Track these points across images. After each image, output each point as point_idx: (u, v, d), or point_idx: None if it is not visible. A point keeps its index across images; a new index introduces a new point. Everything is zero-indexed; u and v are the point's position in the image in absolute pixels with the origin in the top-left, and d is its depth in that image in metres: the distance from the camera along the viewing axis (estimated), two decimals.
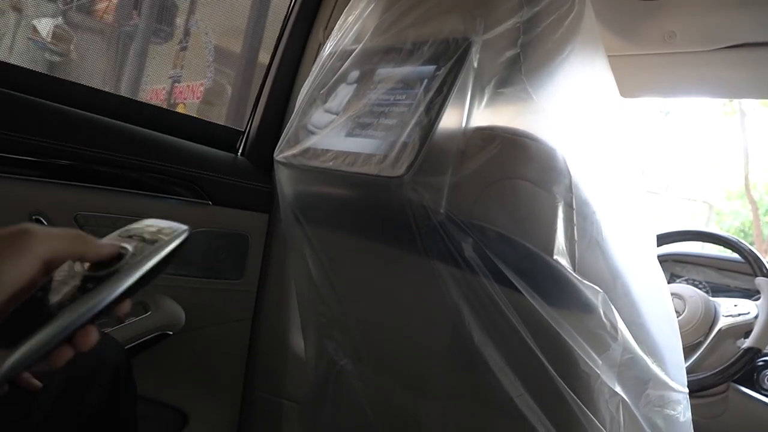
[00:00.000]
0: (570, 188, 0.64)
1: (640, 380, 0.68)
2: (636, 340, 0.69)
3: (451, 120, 0.67)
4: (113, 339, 0.86)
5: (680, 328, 1.37)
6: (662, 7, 1.09)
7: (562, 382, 0.66)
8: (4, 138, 0.90)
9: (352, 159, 0.72)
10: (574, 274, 0.63)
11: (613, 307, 0.63)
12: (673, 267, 1.69)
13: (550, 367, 0.66)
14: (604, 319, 0.63)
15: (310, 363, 0.97)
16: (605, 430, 0.68)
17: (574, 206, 0.64)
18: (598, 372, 0.65)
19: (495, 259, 0.63)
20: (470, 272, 0.64)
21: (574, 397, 0.67)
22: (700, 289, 1.60)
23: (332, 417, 0.92)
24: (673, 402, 0.74)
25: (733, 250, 1.40)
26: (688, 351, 1.35)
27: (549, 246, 0.62)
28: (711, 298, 1.39)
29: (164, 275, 1.04)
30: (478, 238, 0.64)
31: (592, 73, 0.75)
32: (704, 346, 1.30)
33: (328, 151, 0.76)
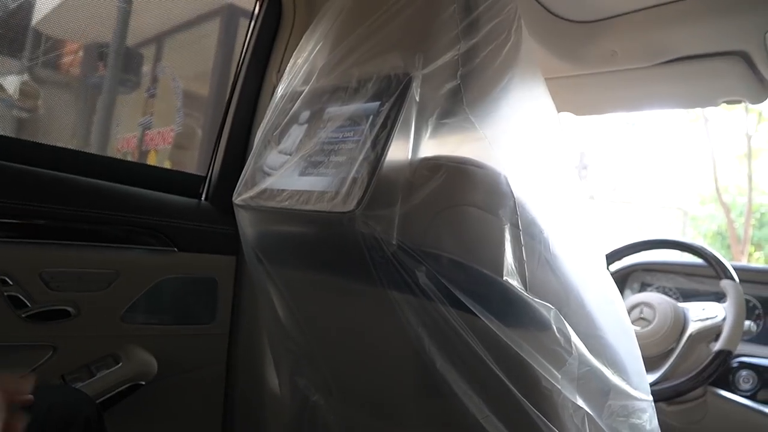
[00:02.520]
0: (515, 210, 0.66)
1: (600, 392, 0.70)
2: (593, 353, 0.71)
3: (397, 153, 0.69)
4: (83, 393, 0.86)
5: (652, 336, 1.40)
6: (602, 29, 1.14)
7: (525, 401, 0.67)
8: None
9: (306, 197, 0.74)
10: (526, 293, 0.64)
11: (566, 322, 0.65)
12: (644, 276, 1.73)
13: (512, 387, 0.67)
14: (558, 335, 0.65)
15: (284, 401, 0.97)
16: None
17: (521, 227, 0.66)
18: (559, 387, 0.66)
19: (449, 285, 0.65)
20: (426, 299, 0.66)
21: (539, 414, 0.68)
22: (670, 295, 1.63)
23: None
24: (638, 411, 0.75)
25: (696, 256, 1.44)
26: (661, 358, 1.37)
27: (499, 268, 0.64)
28: (680, 304, 1.41)
29: (134, 324, 1.05)
30: (430, 265, 0.65)
31: (531, 98, 0.79)
32: (677, 352, 1.32)
33: (283, 191, 0.78)
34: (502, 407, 0.69)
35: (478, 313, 0.65)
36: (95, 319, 1.00)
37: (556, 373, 0.66)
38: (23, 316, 0.93)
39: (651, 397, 0.78)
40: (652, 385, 1.34)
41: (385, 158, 0.67)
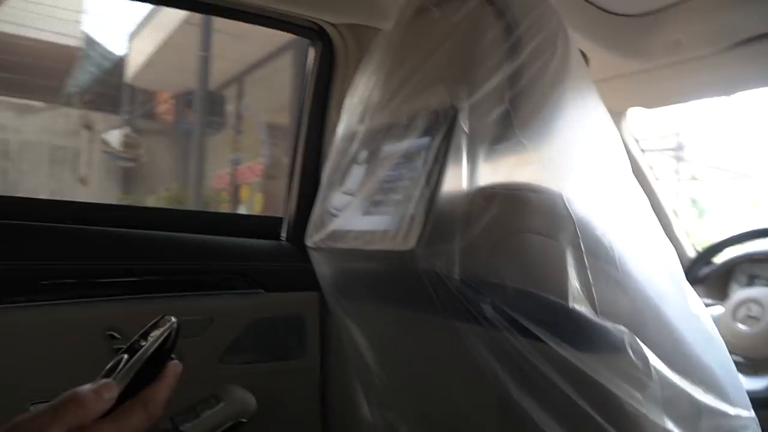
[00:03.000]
0: (576, 232, 0.65)
1: (692, 413, 0.66)
2: (680, 372, 0.67)
3: (453, 185, 0.69)
4: None
5: (761, 336, 1.30)
6: (662, 19, 1.09)
7: (611, 428, 0.65)
8: (73, 268, 1.01)
9: (370, 237, 0.76)
10: (596, 317, 0.63)
11: (642, 343, 0.63)
12: (751, 268, 1.61)
13: (595, 414, 0.65)
14: (634, 359, 0.62)
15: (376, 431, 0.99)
16: None
17: (584, 249, 0.64)
18: (645, 412, 0.64)
19: (515, 315, 0.64)
20: (494, 329, 0.66)
21: None
22: None
23: None
24: (737, 428, 0.71)
25: None
26: None
27: (565, 293, 0.63)
28: None
29: (232, 365, 1.11)
30: (495, 296, 0.65)
31: (584, 109, 0.77)
32: None
33: (349, 231, 0.81)
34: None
35: (548, 341, 0.64)
36: (196, 363, 1.07)
37: (639, 396, 0.64)
38: None
39: (752, 413, 0.73)
40: (763, 391, 1.25)
41: (438, 193, 0.68)
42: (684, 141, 8.53)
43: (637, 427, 0.65)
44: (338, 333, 1.17)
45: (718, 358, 0.73)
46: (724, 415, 0.69)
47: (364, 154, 0.86)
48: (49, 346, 1.00)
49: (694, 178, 9.27)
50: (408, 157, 0.76)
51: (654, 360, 0.63)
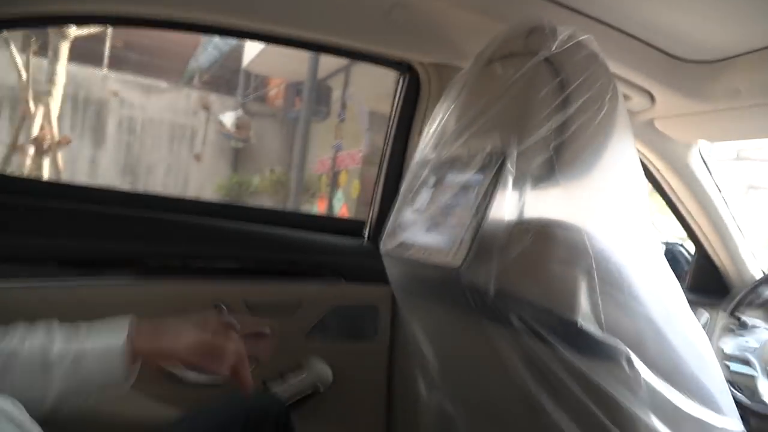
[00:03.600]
0: (592, 264, 0.80)
1: (677, 418, 0.80)
2: (676, 385, 0.81)
3: (496, 217, 0.86)
4: (275, 397, 1.16)
5: None
6: (725, 68, 1.19)
7: (609, 423, 0.80)
8: (195, 253, 1.27)
9: (430, 252, 0.94)
10: (601, 333, 0.78)
11: (636, 358, 0.77)
12: None
13: (596, 410, 0.81)
14: (627, 369, 0.77)
15: (430, 409, 1.18)
16: None
17: (596, 278, 0.79)
18: (636, 411, 0.78)
19: (535, 325, 0.81)
20: (518, 334, 0.82)
21: None
22: None
23: None
24: None
25: None
26: None
27: (575, 312, 0.78)
28: None
29: (315, 342, 1.33)
30: (521, 309, 0.82)
31: (619, 158, 0.90)
32: None
33: (413, 244, 0.99)
34: (590, 426, 0.82)
35: (560, 348, 0.80)
36: (286, 337, 1.30)
37: (631, 398, 0.78)
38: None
39: (737, 424, 0.85)
40: None
41: (484, 223, 0.85)
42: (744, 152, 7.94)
43: (632, 426, 0.80)
44: (404, 323, 1.36)
45: (712, 377, 0.85)
46: (709, 424, 0.82)
47: (432, 180, 1.04)
48: (168, 312, 1.25)
49: (752, 187, 8.62)
50: (465, 188, 0.93)
51: (644, 372, 0.78)
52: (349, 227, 1.45)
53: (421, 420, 1.32)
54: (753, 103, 1.19)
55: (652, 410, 0.79)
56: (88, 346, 0.75)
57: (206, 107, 7.65)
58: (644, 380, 0.78)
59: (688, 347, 0.84)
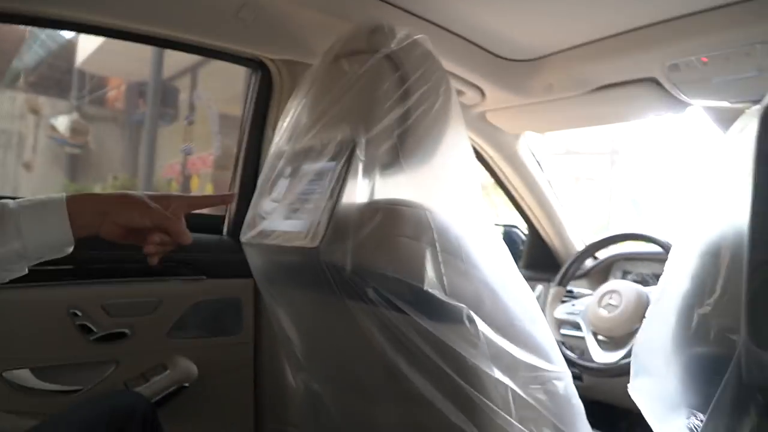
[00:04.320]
0: (434, 237, 0.89)
1: (513, 366, 0.92)
2: (510, 338, 0.93)
3: (348, 200, 0.93)
4: (140, 395, 1.14)
5: (618, 318, 1.60)
6: (540, 66, 1.37)
7: (458, 378, 0.91)
8: None
9: (289, 236, 0.99)
10: (445, 297, 0.88)
11: (476, 316, 0.89)
12: (625, 265, 1.92)
13: (447, 369, 0.91)
14: (468, 326, 0.88)
15: (298, 392, 1.23)
16: (499, 409, 0.92)
17: (439, 248, 0.89)
18: (478, 364, 0.90)
19: (390, 296, 0.89)
20: (375, 306, 0.90)
21: (471, 388, 0.91)
22: (648, 281, 1.82)
23: None
24: (553, 379, 0.98)
25: (655, 244, 1.64)
26: (627, 338, 1.57)
27: (423, 280, 0.88)
28: (643, 288, 1.61)
29: (178, 339, 1.32)
30: (376, 282, 0.89)
31: (455, 144, 1.01)
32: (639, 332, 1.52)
33: (273, 231, 1.03)
34: (443, 384, 0.92)
35: (412, 315, 0.89)
36: (146, 337, 1.28)
37: (474, 352, 0.89)
38: (91, 339, 1.22)
39: (564, 369, 1.00)
40: (618, 361, 1.55)
41: (338, 206, 0.91)
42: (618, 146, 9.01)
43: (476, 377, 0.91)
44: (268, 313, 1.40)
45: (541, 331, 0.99)
46: (537, 368, 0.95)
47: (288, 170, 1.09)
48: (20, 321, 1.19)
49: (630, 180, 9.79)
50: (320, 175, 0.99)
51: (483, 327, 0.89)
52: (208, 224, 1.45)
53: (290, 403, 1.37)
54: (563, 96, 1.38)
55: (493, 361, 0.90)
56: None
57: (35, 110, 7.00)
58: (483, 335, 0.89)
59: (520, 306, 0.97)
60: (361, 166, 0.94)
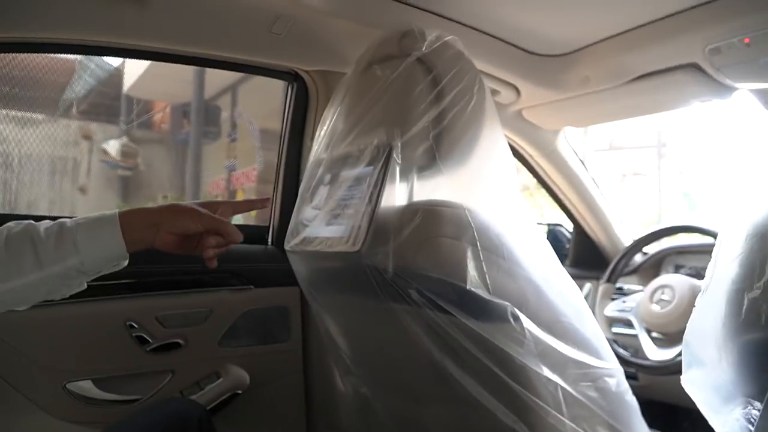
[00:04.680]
0: (474, 235, 0.89)
1: (561, 363, 0.91)
2: (557, 335, 0.92)
3: (388, 203, 0.94)
4: (195, 402, 1.17)
5: (671, 315, 1.56)
6: (574, 59, 1.35)
7: (506, 377, 0.90)
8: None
9: (331, 242, 1.00)
10: (488, 296, 0.88)
11: (521, 314, 0.88)
12: (677, 259, 1.87)
13: (494, 367, 0.90)
14: (514, 325, 0.87)
15: (348, 396, 1.24)
16: (550, 408, 0.91)
17: (480, 247, 0.89)
18: (526, 362, 0.89)
19: (433, 297, 0.89)
20: (419, 308, 0.90)
21: (520, 387, 0.90)
22: (702, 274, 1.76)
23: None
24: (604, 376, 0.96)
25: (706, 235, 1.59)
26: (680, 334, 1.51)
27: (466, 280, 0.88)
28: (697, 282, 1.56)
29: (229, 348, 1.35)
30: (419, 283, 0.90)
31: (491, 143, 1.01)
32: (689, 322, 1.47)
33: (316, 238, 1.05)
34: (491, 384, 0.91)
35: (457, 315, 0.89)
36: (199, 347, 1.32)
37: (521, 351, 0.88)
38: (148, 350, 1.26)
39: (616, 365, 0.98)
40: (674, 358, 1.51)
41: (377, 209, 0.92)
42: (665, 138, 8.78)
43: (525, 376, 0.90)
44: (315, 320, 1.42)
45: (588, 327, 0.98)
46: (587, 365, 0.94)
47: (328, 177, 1.11)
48: (81, 334, 1.24)
49: (680, 173, 9.51)
50: (358, 180, 1.01)
51: (528, 324, 0.88)
52: (253, 234, 1.49)
53: (341, 407, 1.38)
54: (601, 89, 1.36)
55: (541, 359, 0.89)
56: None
57: (87, 137, 7.27)
58: (529, 332, 0.88)
59: (566, 302, 0.96)
60: (398, 169, 0.95)
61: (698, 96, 1.30)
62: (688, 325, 0.63)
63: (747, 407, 0.58)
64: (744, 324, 0.50)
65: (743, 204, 0.55)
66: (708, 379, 0.60)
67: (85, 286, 0.84)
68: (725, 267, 0.53)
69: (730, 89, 1.27)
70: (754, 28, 1.04)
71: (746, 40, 1.07)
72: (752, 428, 0.56)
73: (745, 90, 1.27)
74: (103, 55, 1.30)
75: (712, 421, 0.64)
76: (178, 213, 0.85)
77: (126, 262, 0.85)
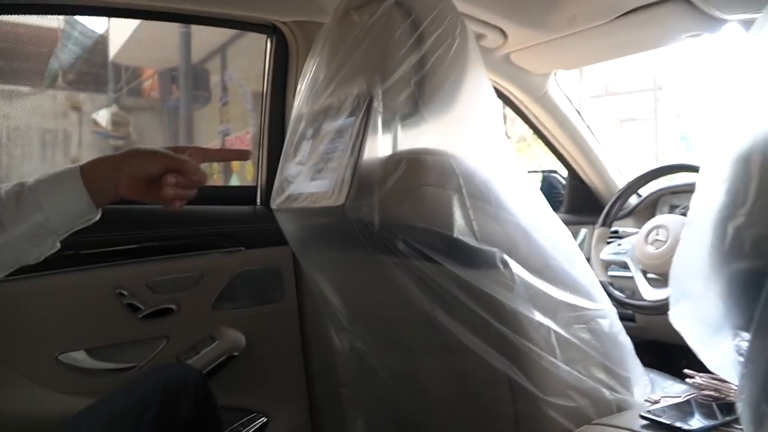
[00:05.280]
0: (459, 182, 0.87)
1: (552, 306, 0.90)
2: (548, 279, 0.91)
3: (371, 154, 0.92)
4: (191, 366, 1.17)
5: (666, 255, 1.54)
6: None
7: (498, 324, 0.89)
8: (86, 240, 1.24)
9: (316, 197, 0.98)
10: (477, 243, 0.86)
11: (510, 260, 0.86)
12: (671, 199, 1.85)
13: (485, 315, 0.89)
14: (503, 270, 0.86)
15: (344, 351, 1.24)
16: (543, 351, 0.91)
17: (465, 194, 0.87)
18: (516, 307, 0.88)
19: (420, 247, 0.88)
20: (407, 259, 0.89)
21: (512, 333, 0.90)
22: None
23: (368, 393, 1.19)
24: (596, 318, 0.95)
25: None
26: None
27: (451, 227, 0.86)
28: None
29: (223, 311, 1.34)
30: (405, 234, 0.88)
31: (475, 87, 0.98)
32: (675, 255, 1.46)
33: (301, 194, 1.03)
34: (483, 331, 0.91)
35: (445, 263, 0.87)
36: (193, 311, 1.32)
37: (510, 296, 0.87)
38: (140, 317, 1.26)
39: (608, 306, 0.97)
40: (668, 298, 1.50)
41: (360, 161, 0.90)
42: (661, 82, 8.66)
43: (516, 321, 0.89)
44: (308, 278, 1.41)
45: (580, 270, 0.97)
46: (578, 308, 0.93)
47: (310, 132, 1.08)
48: (71, 304, 1.24)
49: (678, 116, 9.43)
50: (340, 133, 0.98)
51: (518, 270, 0.87)
52: (241, 194, 1.47)
53: (338, 364, 1.39)
54: (589, 27, 1.32)
55: (532, 303, 0.89)
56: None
57: (77, 107, 7.18)
58: (519, 277, 0.87)
59: (556, 247, 0.95)
60: (380, 119, 0.92)
61: (688, 30, 1.26)
62: (674, 259, 0.62)
63: (736, 338, 0.57)
64: (729, 253, 0.49)
65: (726, 131, 0.53)
66: (696, 312, 0.59)
67: (58, 246, 0.81)
68: (709, 196, 0.51)
69: (720, 21, 1.23)
70: None
71: None
72: (742, 360, 0.55)
73: (734, 22, 1.23)
74: (75, 14, 1.26)
75: (702, 355, 0.63)
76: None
77: (97, 216, 0.82)
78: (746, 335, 0.53)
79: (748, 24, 1.17)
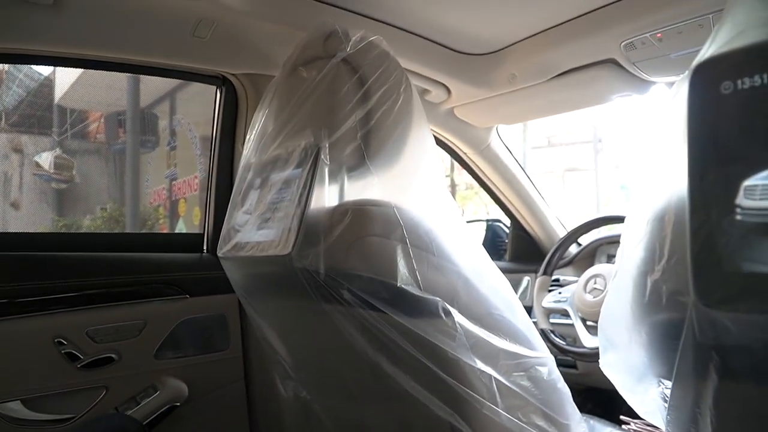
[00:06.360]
0: (403, 233, 0.90)
1: (493, 354, 0.93)
2: (489, 328, 0.94)
3: (318, 204, 0.94)
4: (130, 417, 1.14)
5: (603, 303, 1.61)
6: (501, 57, 1.38)
7: (440, 372, 0.91)
8: (25, 288, 1.21)
9: (262, 246, 0.99)
10: (420, 292, 0.89)
11: (452, 309, 0.89)
12: (609, 249, 1.93)
13: (429, 363, 0.91)
14: (445, 319, 0.89)
15: (289, 401, 1.23)
16: (484, 399, 0.93)
17: (409, 244, 0.90)
18: (459, 356, 0.90)
19: (364, 296, 0.89)
20: (351, 308, 0.90)
21: (454, 381, 0.91)
22: None
23: None
24: (536, 365, 0.98)
25: None
26: None
27: (396, 277, 0.88)
28: None
29: (165, 360, 1.31)
30: (350, 283, 0.90)
31: (419, 142, 1.02)
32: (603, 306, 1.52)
33: (247, 243, 1.04)
34: (426, 379, 0.92)
35: (389, 312, 0.89)
36: (134, 360, 1.28)
37: (453, 344, 0.89)
38: (79, 366, 1.22)
39: (547, 354, 1.00)
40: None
41: (307, 211, 0.92)
42: (601, 134, 9.08)
43: (458, 369, 0.91)
44: (254, 326, 1.40)
45: (520, 319, 1.00)
46: (517, 356, 0.95)
47: (258, 181, 1.09)
48: (7, 353, 1.19)
49: (617, 167, 9.85)
50: (287, 183, 1.00)
51: (459, 318, 0.89)
52: (188, 242, 1.46)
53: (283, 414, 1.36)
54: (527, 85, 1.39)
55: (473, 351, 0.91)
56: None
57: (18, 149, 6.98)
58: (460, 326, 0.89)
59: (496, 296, 0.98)
60: (327, 170, 0.95)
61: (618, 91, 1.35)
62: (602, 309, 0.65)
63: (660, 386, 0.60)
64: (648, 306, 0.52)
65: (646, 189, 0.58)
66: (622, 361, 0.62)
67: None
68: (631, 251, 0.55)
69: (648, 83, 1.32)
70: (665, 23, 1.09)
71: (659, 35, 1.12)
72: (666, 406, 0.58)
73: (662, 84, 1.33)
74: (22, 63, 1.25)
75: (631, 402, 0.66)
76: None
77: None
78: (668, 383, 0.56)
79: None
